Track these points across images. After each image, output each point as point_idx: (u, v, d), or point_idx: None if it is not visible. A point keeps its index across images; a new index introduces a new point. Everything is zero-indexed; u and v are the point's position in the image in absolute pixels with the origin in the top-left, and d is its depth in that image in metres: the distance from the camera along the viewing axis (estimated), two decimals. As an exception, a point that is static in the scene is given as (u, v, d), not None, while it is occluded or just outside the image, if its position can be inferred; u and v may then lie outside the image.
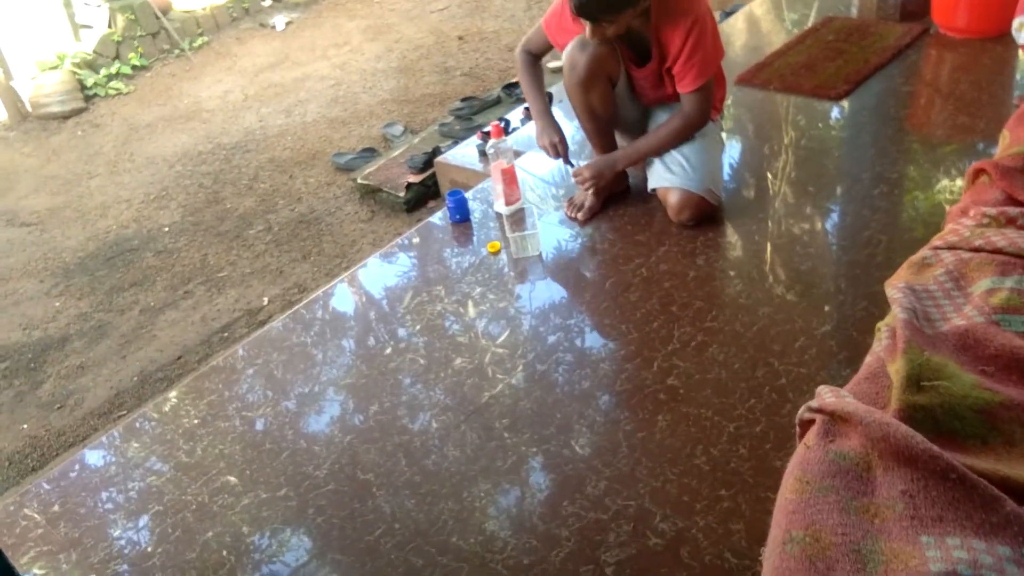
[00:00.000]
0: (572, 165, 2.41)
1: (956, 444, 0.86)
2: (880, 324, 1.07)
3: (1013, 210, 1.21)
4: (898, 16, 3.33)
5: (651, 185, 2.34)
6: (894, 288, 1.12)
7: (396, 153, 3.87)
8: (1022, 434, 0.87)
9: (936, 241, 1.24)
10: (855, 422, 0.86)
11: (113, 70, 5.77)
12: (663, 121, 2.28)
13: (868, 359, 1.04)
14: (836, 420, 0.91)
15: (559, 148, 2.35)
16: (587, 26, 2.02)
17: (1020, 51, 2.80)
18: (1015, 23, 2.49)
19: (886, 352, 1.00)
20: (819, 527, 0.77)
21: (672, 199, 2.25)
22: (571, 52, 2.16)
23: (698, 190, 2.22)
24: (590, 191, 2.40)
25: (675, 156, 2.25)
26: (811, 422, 0.95)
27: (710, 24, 2.08)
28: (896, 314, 1.04)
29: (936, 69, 2.99)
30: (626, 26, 2.06)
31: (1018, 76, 2.82)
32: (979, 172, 1.40)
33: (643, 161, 2.36)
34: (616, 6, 1.93)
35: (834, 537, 0.76)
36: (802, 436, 0.96)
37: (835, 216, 2.27)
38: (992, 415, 0.89)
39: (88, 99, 5.57)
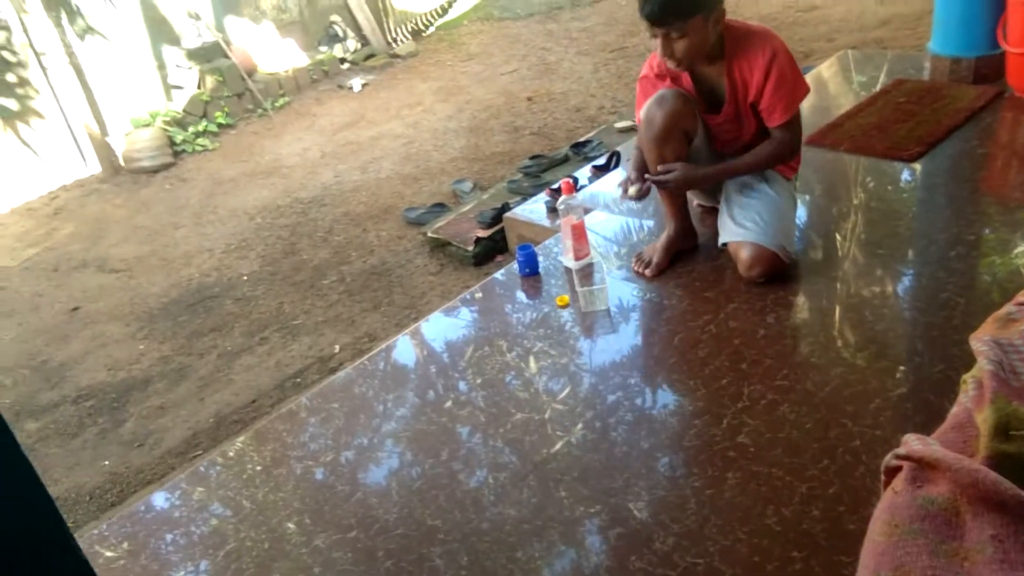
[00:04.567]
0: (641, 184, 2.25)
1: (1044, 492, 0.85)
2: (966, 376, 1.06)
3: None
4: (971, 79, 3.30)
5: (722, 239, 2.32)
6: (979, 341, 1.11)
7: (466, 208, 3.97)
8: (1109, 484, 0.85)
9: (1021, 297, 1.23)
10: (943, 468, 0.86)
11: (200, 128, 6.12)
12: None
13: (954, 410, 1.04)
14: (924, 467, 0.91)
15: (633, 177, 2.27)
16: (659, 42, 2.03)
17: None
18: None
19: (973, 403, 0.99)
20: (908, 568, 0.77)
21: (744, 254, 2.23)
22: (648, 108, 2.19)
23: (771, 245, 2.19)
24: (659, 250, 2.40)
25: (748, 212, 2.24)
26: (897, 469, 0.95)
27: (789, 55, 2.08)
28: (982, 366, 1.04)
29: (1012, 132, 2.95)
30: (697, 49, 2.04)
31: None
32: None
33: (728, 178, 2.31)
34: (685, 10, 1.94)
35: (925, 578, 0.76)
36: (887, 483, 0.95)
37: (909, 277, 2.24)
38: (1079, 465, 0.88)
39: (176, 155, 5.90)
